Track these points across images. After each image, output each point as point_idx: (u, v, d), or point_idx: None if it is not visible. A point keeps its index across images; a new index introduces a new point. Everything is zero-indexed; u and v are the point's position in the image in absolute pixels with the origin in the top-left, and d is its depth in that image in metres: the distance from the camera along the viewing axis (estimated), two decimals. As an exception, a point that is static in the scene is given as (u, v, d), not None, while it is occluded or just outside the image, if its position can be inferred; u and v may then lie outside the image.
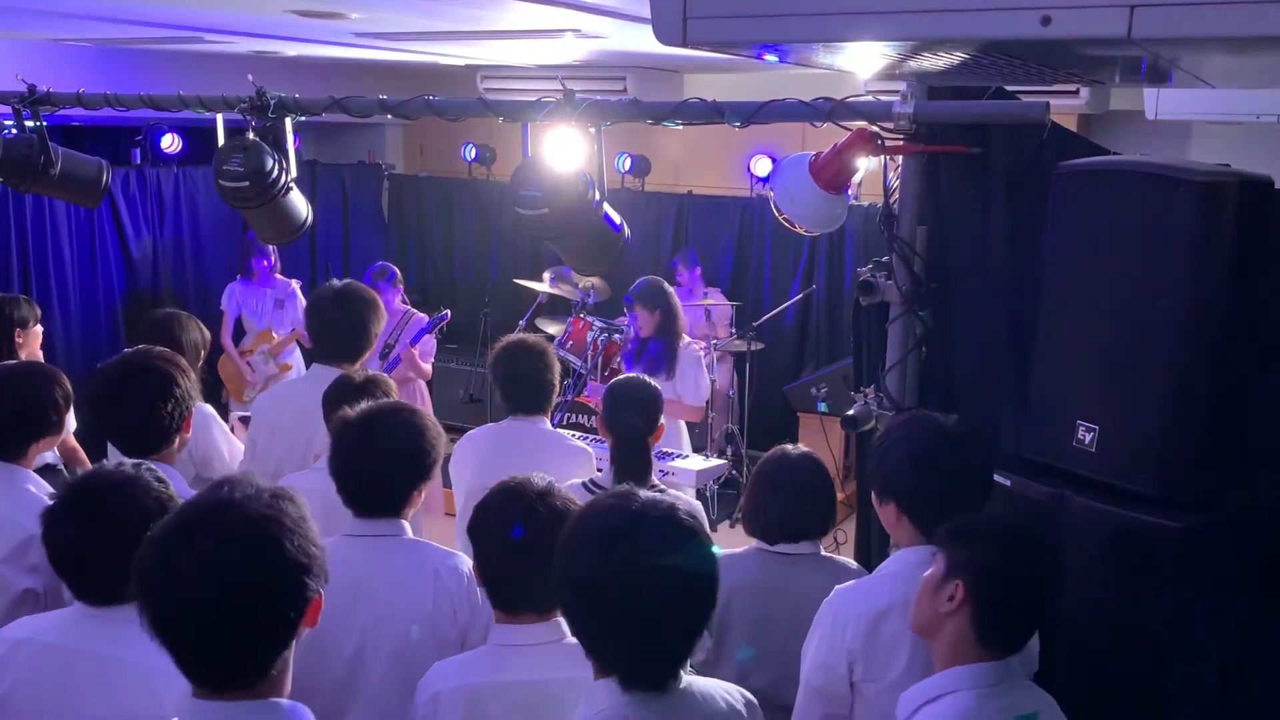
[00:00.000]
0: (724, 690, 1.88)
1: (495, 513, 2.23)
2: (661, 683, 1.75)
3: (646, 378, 3.53)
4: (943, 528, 2.11)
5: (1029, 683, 2.08)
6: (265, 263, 6.83)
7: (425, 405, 5.85)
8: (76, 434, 4.40)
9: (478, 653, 2.28)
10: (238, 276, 7.06)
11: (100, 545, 2.09)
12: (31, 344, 4.42)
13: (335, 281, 3.98)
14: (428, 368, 5.93)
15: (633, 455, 3.15)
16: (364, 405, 2.67)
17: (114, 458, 3.18)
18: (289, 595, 1.60)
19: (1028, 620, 2.07)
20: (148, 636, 2.09)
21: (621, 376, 3.60)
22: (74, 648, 2.08)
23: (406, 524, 2.60)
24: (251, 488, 1.65)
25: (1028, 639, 2.08)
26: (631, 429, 3.16)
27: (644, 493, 1.79)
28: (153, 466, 2.26)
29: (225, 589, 1.54)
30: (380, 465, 2.53)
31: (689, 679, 1.80)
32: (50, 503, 2.18)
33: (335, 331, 3.75)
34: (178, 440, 2.94)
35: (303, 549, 1.61)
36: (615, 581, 1.70)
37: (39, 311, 4.52)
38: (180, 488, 2.81)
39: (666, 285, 5.41)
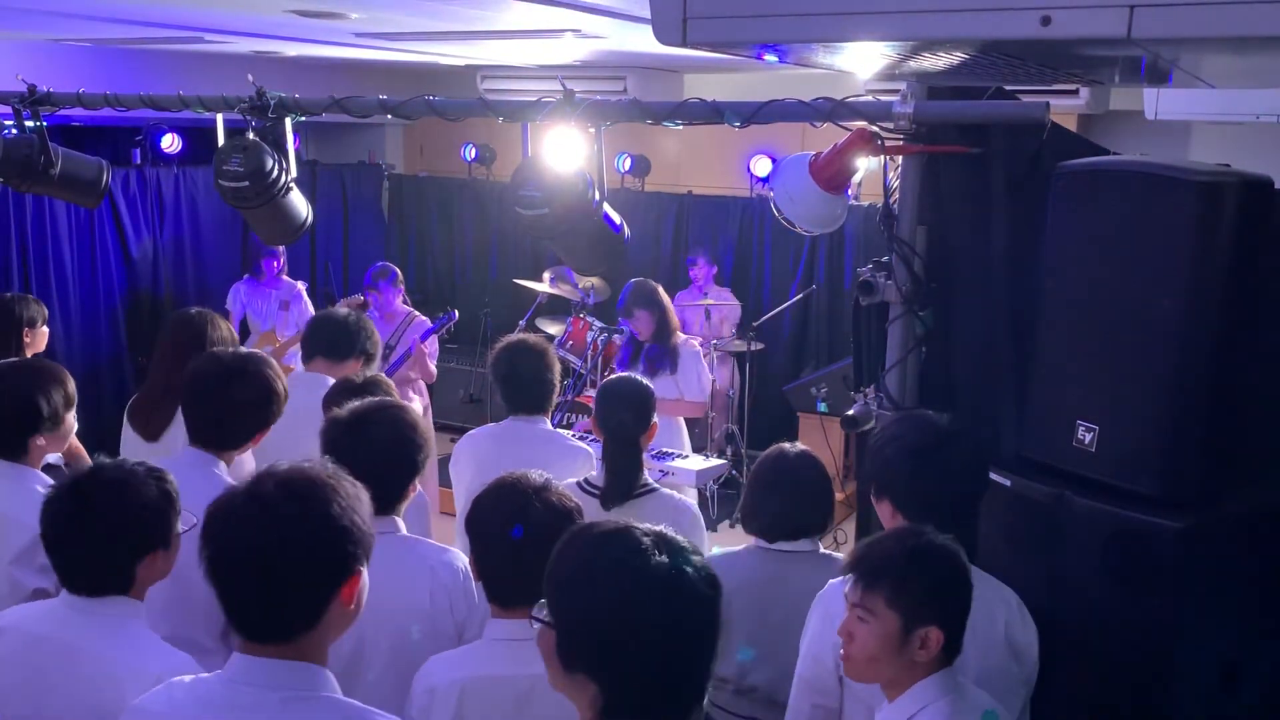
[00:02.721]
0: None
1: (492, 509, 2.24)
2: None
3: (640, 377, 3.53)
4: (860, 584, 1.99)
5: (968, 682, 2.06)
6: (275, 264, 6.82)
7: (426, 405, 5.86)
8: (79, 434, 4.41)
9: (473, 647, 2.29)
10: (243, 276, 7.05)
11: (89, 537, 2.12)
12: (38, 343, 4.43)
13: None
14: (434, 368, 5.94)
15: (623, 453, 3.14)
16: (352, 404, 2.67)
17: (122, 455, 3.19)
18: (330, 553, 1.69)
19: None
20: (127, 631, 2.11)
21: (614, 375, 3.60)
22: (50, 636, 2.10)
23: (400, 521, 2.60)
24: (328, 466, 1.79)
25: None
26: (621, 426, 3.15)
27: (637, 526, 1.60)
28: (155, 467, 2.26)
29: (271, 531, 1.66)
30: (374, 463, 2.53)
31: None
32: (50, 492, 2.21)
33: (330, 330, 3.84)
34: (248, 444, 2.96)
35: (349, 517, 1.71)
36: (659, 627, 1.50)
37: (46, 312, 4.53)
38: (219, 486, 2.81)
39: (654, 284, 5.41)
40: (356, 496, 1.76)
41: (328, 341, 3.92)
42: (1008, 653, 2.29)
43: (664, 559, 1.51)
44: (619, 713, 1.51)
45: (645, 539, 1.54)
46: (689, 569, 1.52)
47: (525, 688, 2.11)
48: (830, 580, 2.41)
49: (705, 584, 1.53)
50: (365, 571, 1.75)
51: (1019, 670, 2.31)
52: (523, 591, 2.18)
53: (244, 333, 6.96)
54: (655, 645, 1.49)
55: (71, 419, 3.09)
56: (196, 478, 2.56)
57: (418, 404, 5.75)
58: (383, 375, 3.39)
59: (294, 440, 3.37)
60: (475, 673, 2.18)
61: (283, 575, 1.67)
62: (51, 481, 2.99)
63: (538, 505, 2.20)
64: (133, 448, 3.53)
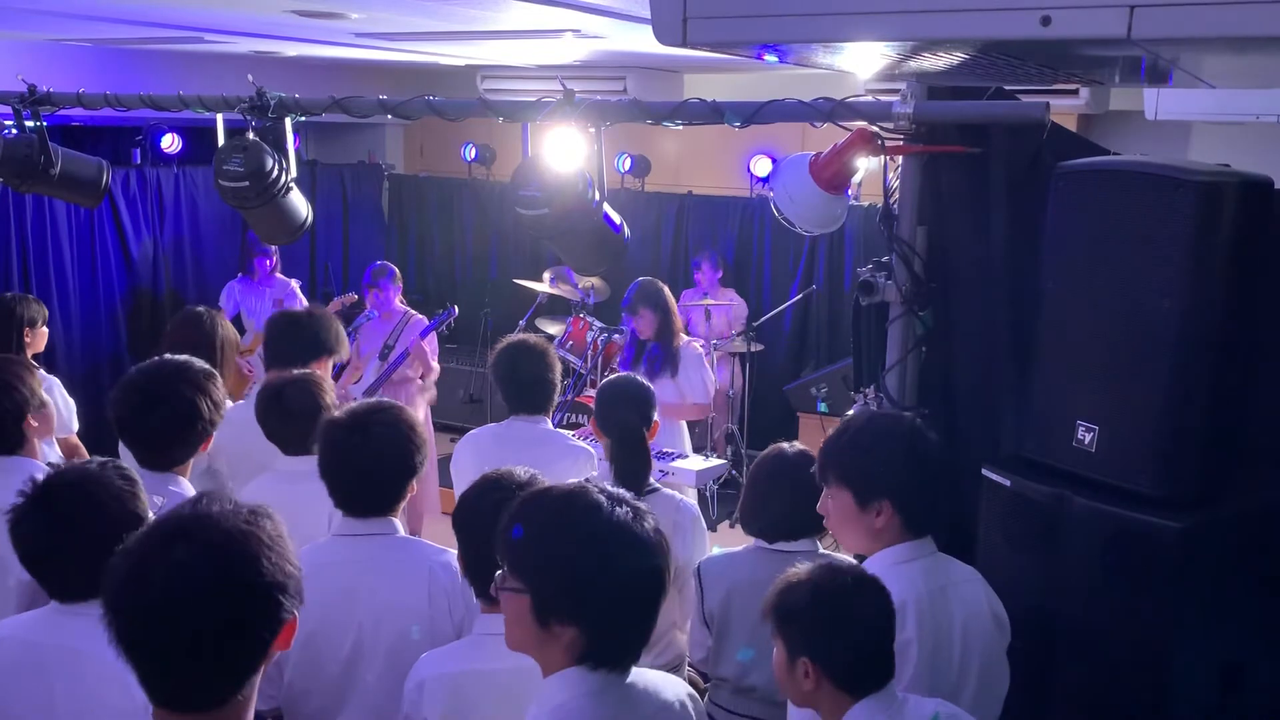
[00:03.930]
0: (671, 682, 1.91)
1: (478, 506, 2.25)
2: (631, 663, 1.76)
3: (638, 376, 3.53)
4: (768, 607, 2.06)
5: (912, 696, 2.05)
6: (268, 262, 6.83)
7: (425, 410, 5.86)
8: (80, 433, 4.41)
9: (463, 642, 2.32)
10: (238, 275, 7.05)
11: (61, 543, 2.09)
12: (38, 343, 4.44)
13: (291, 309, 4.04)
14: (436, 364, 5.94)
15: (633, 453, 3.14)
16: (351, 406, 2.67)
17: (124, 458, 3.18)
18: (264, 615, 1.54)
19: (882, 656, 2.00)
20: None
21: (613, 376, 3.59)
22: (45, 643, 2.09)
23: (398, 522, 2.61)
24: (230, 502, 1.60)
25: (893, 666, 2.03)
26: (628, 425, 3.15)
27: (597, 486, 1.79)
28: (121, 465, 2.24)
29: (197, 604, 1.48)
30: (374, 464, 2.54)
31: (637, 670, 1.80)
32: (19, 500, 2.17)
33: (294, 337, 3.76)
34: (192, 458, 2.92)
35: (280, 567, 1.55)
36: (631, 572, 1.70)
37: (46, 312, 4.53)
38: (182, 497, 2.80)
39: (660, 284, 5.40)
40: (279, 535, 1.60)
41: (287, 350, 3.74)
42: (994, 623, 2.32)
43: (624, 510, 1.72)
44: (597, 652, 1.71)
45: (601, 496, 1.74)
46: (645, 520, 1.74)
47: (509, 680, 2.13)
48: None
49: (656, 533, 1.75)
50: (299, 609, 1.61)
51: (1002, 635, 2.33)
52: None
53: (239, 331, 6.96)
54: (626, 584, 1.69)
55: (52, 405, 3.09)
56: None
57: (421, 408, 5.74)
58: (311, 373, 3.34)
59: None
60: (464, 667, 2.20)
61: (209, 649, 1.50)
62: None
63: None
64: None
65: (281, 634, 1.57)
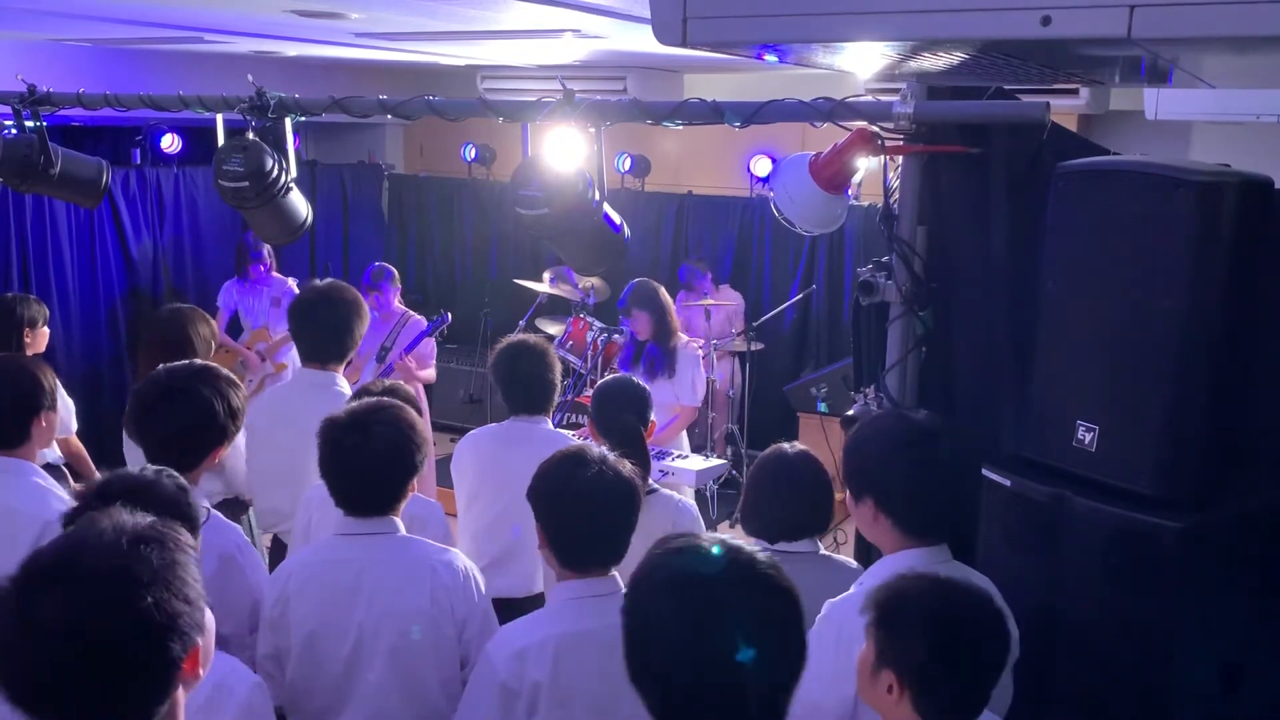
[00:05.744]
0: None
1: (565, 476, 2.34)
2: None
3: (634, 377, 3.53)
4: (872, 597, 1.92)
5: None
6: (261, 266, 6.82)
7: (423, 406, 5.84)
8: (79, 433, 4.41)
9: (544, 611, 2.37)
10: (235, 275, 7.06)
11: None
12: (39, 343, 4.43)
13: (318, 282, 3.98)
14: (430, 372, 5.91)
15: (633, 454, 3.14)
16: (351, 405, 2.67)
17: (125, 458, 3.18)
18: (149, 661, 1.40)
19: (976, 697, 1.88)
20: None
21: (608, 378, 3.60)
22: None
23: (399, 521, 2.61)
24: (111, 528, 1.44)
25: (983, 706, 1.91)
26: (629, 427, 3.15)
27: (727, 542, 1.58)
28: (175, 474, 2.26)
29: (67, 665, 1.35)
30: (375, 463, 2.54)
31: None
32: (71, 499, 2.20)
33: (320, 330, 3.75)
34: (203, 464, 2.88)
35: (164, 605, 1.39)
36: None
37: (48, 313, 4.53)
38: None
39: (656, 285, 5.40)
40: (170, 562, 1.43)
41: (325, 347, 3.76)
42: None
43: None
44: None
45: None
46: None
47: (612, 638, 2.14)
48: (835, 599, 2.31)
49: None
50: (204, 635, 1.49)
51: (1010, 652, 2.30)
52: (596, 552, 2.33)
53: (236, 331, 6.96)
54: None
55: (60, 405, 3.09)
56: None
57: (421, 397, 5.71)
58: (401, 384, 3.37)
59: (299, 450, 3.35)
60: (562, 629, 2.25)
61: (94, 705, 1.38)
62: (48, 475, 3.00)
63: (609, 471, 2.35)
64: (136, 456, 3.51)
65: (185, 667, 1.44)
